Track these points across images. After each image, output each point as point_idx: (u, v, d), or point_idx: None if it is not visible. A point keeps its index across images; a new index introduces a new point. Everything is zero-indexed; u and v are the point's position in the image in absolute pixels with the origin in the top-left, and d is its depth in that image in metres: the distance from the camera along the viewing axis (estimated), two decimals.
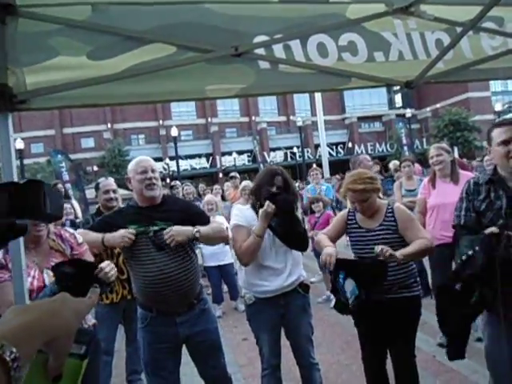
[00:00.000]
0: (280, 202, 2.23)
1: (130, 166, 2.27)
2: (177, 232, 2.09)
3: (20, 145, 18.05)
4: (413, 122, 32.06)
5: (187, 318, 2.20)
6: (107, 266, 1.81)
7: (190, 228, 2.15)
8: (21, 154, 18.14)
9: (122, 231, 2.09)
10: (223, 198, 7.15)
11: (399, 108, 42.61)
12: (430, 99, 40.32)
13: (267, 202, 2.21)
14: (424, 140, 35.39)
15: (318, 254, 6.10)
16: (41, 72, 1.66)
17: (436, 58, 2.11)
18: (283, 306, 2.34)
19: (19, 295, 1.53)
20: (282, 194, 2.28)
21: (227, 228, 4.62)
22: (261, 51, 1.93)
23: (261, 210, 2.22)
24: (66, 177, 13.90)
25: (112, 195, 3.28)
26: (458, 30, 2.12)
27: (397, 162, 7.82)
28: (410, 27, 2.12)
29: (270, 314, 2.34)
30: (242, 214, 2.41)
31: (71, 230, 2.12)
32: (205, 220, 2.34)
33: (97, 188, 3.46)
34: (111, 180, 3.53)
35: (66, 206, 5.36)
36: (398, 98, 45.01)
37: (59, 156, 14.16)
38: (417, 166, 6.53)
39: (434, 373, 3.06)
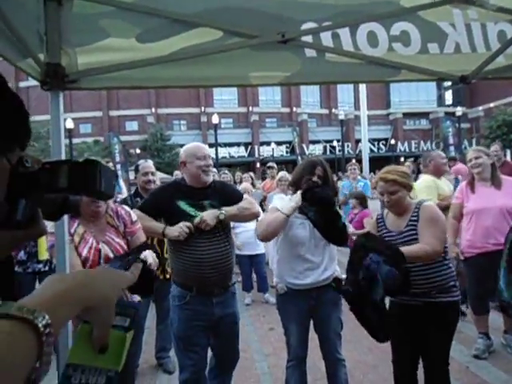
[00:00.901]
0: (317, 193, 2.19)
1: (189, 151, 2.34)
2: (207, 217, 2.20)
3: (70, 124, 18.92)
4: (463, 120, 30.33)
5: (222, 300, 2.30)
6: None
7: (215, 211, 2.25)
8: (70, 133, 19.03)
9: (180, 224, 2.18)
10: (253, 185, 7.21)
11: (449, 106, 40.55)
12: (483, 97, 37.98)
13: (298, 193, 2.22)
14: (474, 141, 33.49)
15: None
16: (92, 53, 1.71)
17: (497, 52, 1.97)
18: (315, 298, 2.33)
19: (61, 264, 1.61)
20: (320, 187, 2.24)
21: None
22: (308, 39, 1.88)
23: (296, 195, 2.24)
24: (117, 158, 14.69)
25: (150, 177, 3.38)
26: None
27: None
28: (471, 17, 1.99)
29: (300, 304, 2.34)
30: (283, 202, 2.39)
31: (127, 208, 2.20)
32: (236, 199, 2.42)
33: (136, 170, 3.58)
34: (150, 162, 3.62)
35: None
36: (449, 95, 42.82)
37: (115, 139, 15.08)
38: (462, 166, 6.21)
39: None
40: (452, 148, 22.72)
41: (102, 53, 1.71)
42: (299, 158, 26.21)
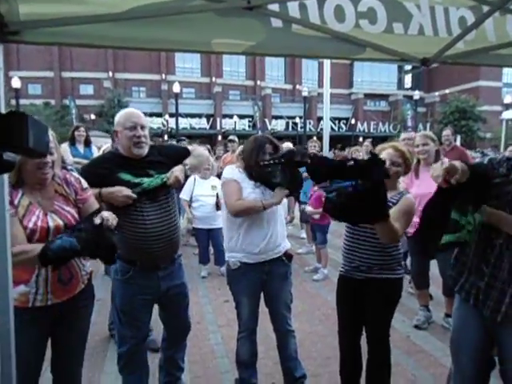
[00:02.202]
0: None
1: (119, 119, 2.13)
2: (177, 172, 2.16)
3: (17, 83, 17.51)
4: (420, 105, 31.47)
5: (168, 273, 2.23)
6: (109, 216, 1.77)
7: (181, 167, 2.23)
8: (17, 93, 17.64)
9: (123, 190, 2.03)
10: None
11: (408, 89, 41.79)
12: (439, 83, 39.50)
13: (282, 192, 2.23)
14: (428, 125, 34.98)
15: (305, 221, 6.16)
16: (36, 2, 1.54)
17: (457, 37, 2.01)
18: (266, 273, 2.37)
19: (1, 236, 1.49)
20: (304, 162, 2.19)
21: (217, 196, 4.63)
22: (274, 7, 1.81)
23: (278, 190, 2.24)
24: (74, 123, 13.93)
25: None
26: (485, 9, 2.00)
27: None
28: (435, 0, 2.00)
29: (252, 279, 2.36)
30: (233, 172, 2.38)
31: (76, 175, 2.03)
32: (185, 153, 2.36)
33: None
34: None
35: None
36: (408, 79, 44.04)
37: (72, 103, 14.20)
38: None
39: (406, 352, 3.15)
40: (410, 130, 23.68)
41: (48, 3, 1.53)
42: (260, 133, 26.03)
